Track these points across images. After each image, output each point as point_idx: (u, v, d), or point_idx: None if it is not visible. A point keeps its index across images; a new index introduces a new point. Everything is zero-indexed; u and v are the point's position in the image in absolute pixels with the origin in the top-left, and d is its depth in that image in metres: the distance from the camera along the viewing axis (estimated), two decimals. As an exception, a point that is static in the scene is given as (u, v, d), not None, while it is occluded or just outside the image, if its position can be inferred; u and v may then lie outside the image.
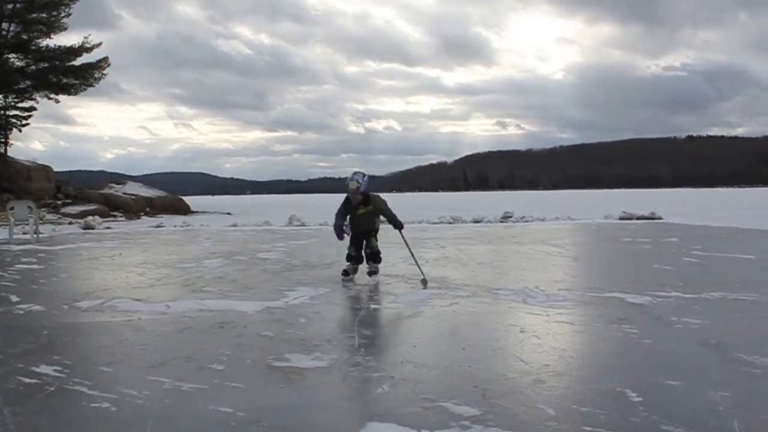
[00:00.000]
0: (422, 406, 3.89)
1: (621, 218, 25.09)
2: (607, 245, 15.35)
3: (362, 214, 9.17)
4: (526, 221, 25.16)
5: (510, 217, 26.25)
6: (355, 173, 9.08)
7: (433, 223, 24.47)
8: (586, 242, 16.54)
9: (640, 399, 3.97)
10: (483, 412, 3.78)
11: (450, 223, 24.74)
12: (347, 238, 9.21)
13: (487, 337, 5.83)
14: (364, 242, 9.23)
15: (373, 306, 7.31)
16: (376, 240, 9.30)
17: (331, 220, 9.30)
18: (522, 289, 8.14)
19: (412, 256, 9.26)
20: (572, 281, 9.04)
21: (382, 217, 9.36)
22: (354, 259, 9.31)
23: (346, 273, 9.28)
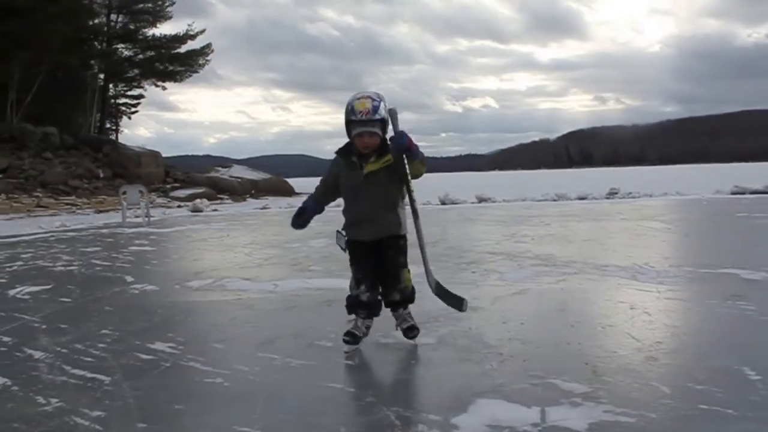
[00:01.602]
0: (531, 383, 3.85)
1: (733, 193, 24.19)
2: (719, 220, 14.86)
3: (374, 174, 4.62)
4: (633, 197, 24.60)
5: (616, 193, 25.72)
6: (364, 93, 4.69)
7: (537, 201, 24.17)
8: (696, 218, 16.05)
9: (759, 377, 3.83)
10: (594, 389, 3.72)
11: (554, 200, 24.39)
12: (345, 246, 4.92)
13: (596, 314, 5.74)
14: (384, 265, 4.77)
15: (479, 284, 7.25)
16: (406, 258, 4.82)
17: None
18: (631, 266, 7.95)
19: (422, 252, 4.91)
20: (683, 257, 8.80)
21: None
22: (366, 306, 4.77)
23: (352, 337, 4.76)
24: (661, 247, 10.09)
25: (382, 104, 4.60)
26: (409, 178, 4.67)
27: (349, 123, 4.61)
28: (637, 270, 7.67)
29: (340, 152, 4.78)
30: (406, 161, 4.62)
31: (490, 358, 4.39)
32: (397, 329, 4.88)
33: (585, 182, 49.12)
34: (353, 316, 4.87)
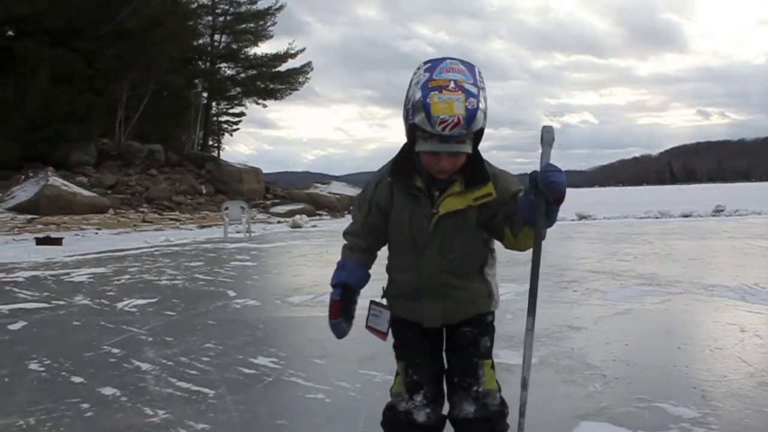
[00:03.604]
0: (637, 406, 3.76)
1: None
2: (833, 239, 14.26)
3: (456, 216, 2.54)
4: (740, 215, 23.90)
5: (722, 210, 25.04)
6: (448, 60, 2.40)
7: (639, 218, 23.70)
8: (808, 236, 15.44)
9: None
10: (703, 414, 3.60)
11: (657, 218, 23.89)
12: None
13: (704, 336, 5.56)
14: (456, 350, 2.78)
15: (580, 303, 7.12)
16: (493, 344, 2.84)
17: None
18: (739, 286, 7.69)
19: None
20: (796, 278, 8.46)
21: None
22: (422, 430, 2.70)
23: None
24: (772, 266, 9.74)
25: (481, 99, 2.36)
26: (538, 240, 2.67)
27: (415, 128, 2.40)
28: (747, 291, 7.42)
29: (395, 173, 2.59)
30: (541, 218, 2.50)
31: (594, 380, 4.30)
32: None
33: (689, 199, 47.83)
34: None
